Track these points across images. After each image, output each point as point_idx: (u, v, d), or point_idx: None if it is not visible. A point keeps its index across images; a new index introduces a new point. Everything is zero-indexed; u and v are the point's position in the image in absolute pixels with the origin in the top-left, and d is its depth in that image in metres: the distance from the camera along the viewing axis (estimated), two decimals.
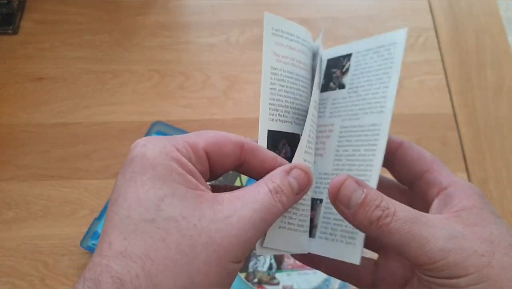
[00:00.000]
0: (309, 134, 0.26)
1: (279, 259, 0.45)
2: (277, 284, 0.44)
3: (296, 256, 0.29)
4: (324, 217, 0.27)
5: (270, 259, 0.45)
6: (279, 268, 0.45)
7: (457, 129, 0.53)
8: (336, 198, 0.23)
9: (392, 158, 0.27)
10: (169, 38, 0.59)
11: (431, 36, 0.58)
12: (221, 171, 0.24)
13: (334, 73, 0.30)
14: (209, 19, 0.61)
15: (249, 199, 0.21)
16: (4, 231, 0.48)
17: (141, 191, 0.20)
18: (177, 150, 0.21)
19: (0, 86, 0.56)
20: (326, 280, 0.44)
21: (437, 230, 0.21)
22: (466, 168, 0.51)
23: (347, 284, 0.44)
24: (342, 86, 0.29)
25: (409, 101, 0.55)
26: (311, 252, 0.27)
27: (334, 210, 0.24)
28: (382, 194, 0.23)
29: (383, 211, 0.22)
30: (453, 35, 0.59)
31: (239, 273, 0.45)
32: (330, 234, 0.26)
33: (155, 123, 0.53)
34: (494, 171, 0.51)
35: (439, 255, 0.21)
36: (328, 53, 0.31)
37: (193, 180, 0.21)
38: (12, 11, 0.59)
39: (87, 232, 0.47)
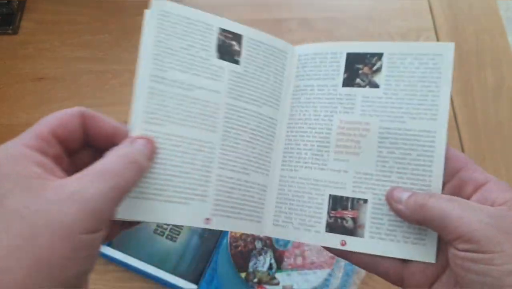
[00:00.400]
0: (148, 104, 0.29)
1: (279, 259, 0.46)
2: (277, 284, 0.44)
3: (331, 250, 0.30)
4: (373, 218, 0.29)
5: (270, 259, 0.46)
6: (279, 268, 0.45)
7: (457, 129, 0.53)
8: (391, 198, 0.27)
9: None
10: None
11: (431, 36, 0.58)
12: (75, 146, 0.26)
13: (360, 70, 0.31)
14: None
15: (97, 171, 0.23)
16: None
17: None
18: (24, 144, 0.23)
19: (0, 86, 0.56)
20: (326, 280, 0.44)
21: (478, 209, 0.23)
22: None
23: (347, 284, 0.44)
24: (375, 85, 0.30)
25: None
26: (366, 251, 0.29)
27: (386, 211, 0.28)
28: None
29: (428, 194, 0.26)
30: (453, 35, 0.59)
31: (239, 273, 0.45)
32: (387, 234, 0.28)
33: None
34: (494, 171, 0.51)
35: (478, 225, 0.22)
36: (345, 46, 0.31)
37: (38, 170, 0.22)
38: (12, 11, 0.59)
39: None
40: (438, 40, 0.58)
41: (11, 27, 0.59)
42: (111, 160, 0.24)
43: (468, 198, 0.26)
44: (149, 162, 0.27)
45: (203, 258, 0.46)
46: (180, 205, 0.28)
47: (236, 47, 0.31)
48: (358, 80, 0.30)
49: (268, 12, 0.61)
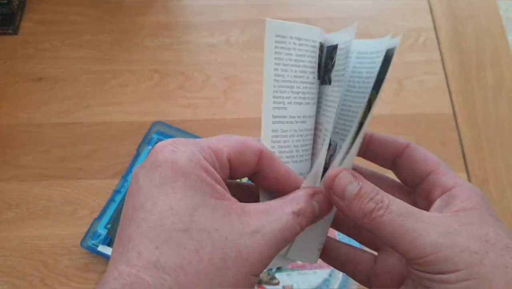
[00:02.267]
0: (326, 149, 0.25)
1: None
2: (277, 284, 0.44)
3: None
4: None
5: None
6: (279, 268, 0.45)
7: (457, 129, 0.53)
8: (331, 189, 0.23)
9: (398, 159, 0.27)
10: (169, 38, 0.59)
11: (431, 36, 0.58)
12: (238, 177, 0.23)
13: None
14: (209, 19, 0.61)
15: (274, 216, 0.21)
16: (4, 231, 0.48)
17: (172, 199, 0.19)
18: (204, 158, 0.20)
19: (0, 86, 0.56)
20: (326, 280, 0.45)
21: (431, 226, 0.21)
22: (466, 168, 0.51)
23: (347, 284, 0.44)
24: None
25: (409, 101, 0.55)
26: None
27: None
28: (378, 188, 0.23)
29: (377, 203, 0.22)
30: (453, 35, 0.59)
31: None
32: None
33: (155, 123, 0.53)
34: (494, 171, 0.51)
35: (430, 249, 0.21)
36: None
37: (221, 189, 0.20)
38: (12, 11, 0.59)
39: (87, 232, 0.47)
40: (438, 40, 0.58)
41: (11, 27, 0.59)
42: (286, 212, 0.22)
43: (432, 202, 0.25)
44: (320, 218, 0.25)
45: None
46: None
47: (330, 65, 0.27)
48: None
49: (268, 12, 0.61)
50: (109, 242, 0.46)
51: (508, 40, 0.58)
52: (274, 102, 0.25)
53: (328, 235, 0.29)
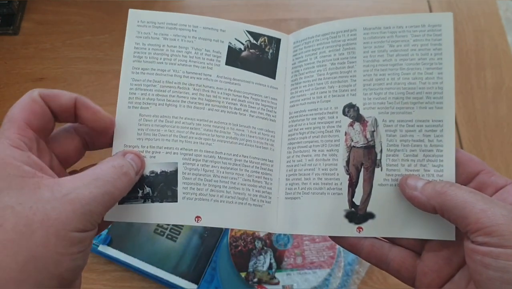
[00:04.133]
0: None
1: (279, 259, 0.46)
2: (277, 283, 0.45)
3: (339, 242, 0.30)
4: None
5: (270, 258, 0.46)
6: (279, 268, 0.45)
7: (457, 129, 0.53)
8: (405, 184, 0.27)
9: None
10: None
11: None
12: (50, 130, 0.27)
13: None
14: None
15: (91, 178, 0.24)
16: None
17: None
18: (11, 144, 0.23)
19: (1, 87, 0.56)
20: (326, 279, 0.45)
21: (501, 204, 0.23)
22: None
23: (347, 284, 0.45)
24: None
25: None
26: (382, 236, 0.29)
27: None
28: None
29: (447, 183, 0.25)
30: (453, 35, 0.59)
31: (239, 272, 0.45)
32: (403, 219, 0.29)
33: None
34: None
35: (502, 219, 0.22)
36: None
37: (30, 169, 0.23)
38: (13, 11, 0.59)
39: None
40: None
41: (11, 28, 0.59)
42: (105, 168, 0.25)
43: None
44: (137, 176, 0.29)
45: (203, 258, 0.46)
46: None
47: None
48: None
49: (268, 12, 0.61)
50: (109, 242, 0.46)
51: (508, 40, 0.58)
52: (134, 56, 0.32)
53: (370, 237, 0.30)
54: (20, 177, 0.22)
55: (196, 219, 0.29)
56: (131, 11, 0.32)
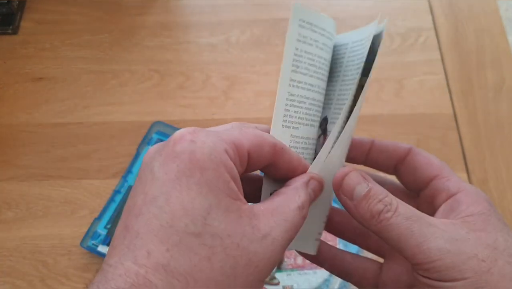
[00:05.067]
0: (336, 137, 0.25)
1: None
2: (277, 284, 0.44)
3: (302, 254, 0.29)
4: None
5: None
6: (279, 268, 0.45)
7: (457, 129, 0.53)
8: (340, 188, 0.23)
9: (400, 165, 0.27)
10: (169, 38, 0.59)
11: (431, 36, 0.58)
12: (252, 170, 0.23)
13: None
14: (209, 19, 0.61)
15: (282, 216, 0.20)
16: (4, 231, 0.48)
17: (186, 197, 0.18)
18: (226, 151, 0.19)
19: (0, 86, 0.56)
20: (326, 280, 0.44)
21: (438, 231, 0.21)
22: (466, 168, 0.51)
23: (348, 284, 0.44)
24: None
25: (409, 101, 0.55)
26: None
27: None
28: (387, 191, 0.23)
29: (386, 205, 0.22)
30: (453, 35, 0.59)
31: None
32: None
33: (155, 123, 0.53)
34: (494, 171, 0.51)
35: (437, 254, 0.20)
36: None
37: (235, 188, 0.19)
38: (12, 11, 0.59)
39: (87, 232, 0.47)
40: (438, 40, 0.58)
41: (11, 27, 0.59)
42: (292, 208, 0.21)
43: (437, 207, 0.24)
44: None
45: None
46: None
47: None
48: None
49: (268, 12, 0.61)
50: (108, 242, 0.46)
51: (508, 40, 0.58)
52: (293, 65, 0.24)
53: (330, 243, 0.29)
54: (228, 196, 0.19)
55: None
56: (296, 6, 0.24)
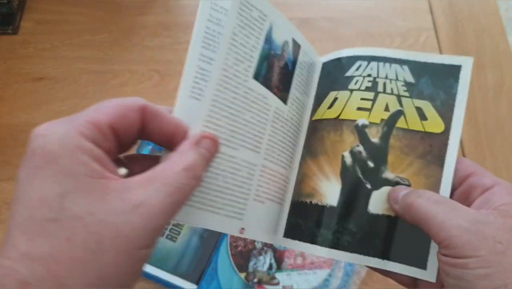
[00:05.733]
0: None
1: (279, 259, 0.46)
2: (277, 284, 0.44)
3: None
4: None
5: (270, 259, 0.46)
6: (279, 268, 0.45)
7: None
8: (390, 198, 0.28)
9: None
10: (169, 38, 0.59)
11: (431, 36, 0.58)
12: (129, 141, 0.23)
13: None
14: None
15: (161, 180, 0.21)
16: (4, 231, 0.47)
17: (42, 188, 0.19)
18: (81, 133, 0.20)
19: (0, 86, 0.56)
20: (326, 280, 0.44)
21: (463, 213, 0.23)
22: None
23: (347, 284, 0.44)
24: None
25: None
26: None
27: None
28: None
29: (418, 194, 0.26)
30: (453, 35, 0.59)
31: (239, 273, 0.45)
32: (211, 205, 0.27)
33: None
34: (494, 171, 0.51)
35: (456, 231, 0.22)
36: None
37: (99, 167, 0.20)
38: (12, 11, 0.59)
39: None
40: (438, 40, 0.58)
41: (11, 27, 0.59)
42: (176, 171, 0.21)
43: (472, 202, 0.26)
44: (206, 170, 0.25)
45: (203, 258, 0.46)
46: (221, 216, 0.28)
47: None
48: None
49: None
50: None
51: (508, 40, 0.58)
52: (203, 42, 0.27)
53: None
54: (89, 177, 0.19)
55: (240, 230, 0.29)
56: None
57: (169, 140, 0.24)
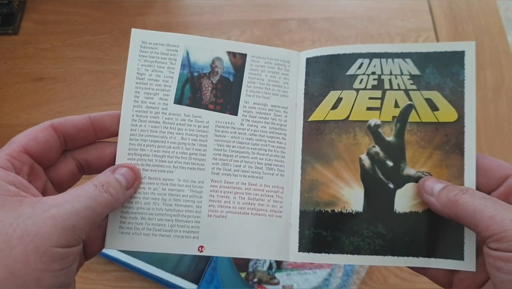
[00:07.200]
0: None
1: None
2: (277, 283, 0.44)
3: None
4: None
5: (270, 259, 0.46)
6: (279, 268, 0.45)
7: None
8: (423, 188, 0.28)
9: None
10: None
11: (431, 36, 0.59)
12: (53, 155, 0.27)
13: None
14: (209, 19, 0.61)
15: (73, 195, 0.24)
16: None
17: None
18: None
19: (1, 86, 0.56)
20: (325, 279, 0.45)
21: (510, 207, 0.23)
22: None
23: (347, 284, 0.44)
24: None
25: None
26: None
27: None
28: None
29: (461, 190, 0.26)
30: (453, 35, 0.59)
31: (239, 273, 0.45)
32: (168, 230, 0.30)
33: None
34: None
35: (507, 224, 0.22)
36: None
37: (14, 188, 0.23)
38: (13, 11, 0.59)
39: None
40: (438, 40, 0.58)
41: (11, 27, 0.59)
42: (87, 186, 0.25)
43: None
44: (126, 191, 0.28)
45: (203, 258, 0.46)
46: (172, 238, 0.30)
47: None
48: None
49: (267, 12, 0.61)
50: None
51: (508, 40, 0.58)
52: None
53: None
54: (2, 195, 0.22)
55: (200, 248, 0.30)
56: (134, 31, 0.31)
57: (92, 138, 0.29)
